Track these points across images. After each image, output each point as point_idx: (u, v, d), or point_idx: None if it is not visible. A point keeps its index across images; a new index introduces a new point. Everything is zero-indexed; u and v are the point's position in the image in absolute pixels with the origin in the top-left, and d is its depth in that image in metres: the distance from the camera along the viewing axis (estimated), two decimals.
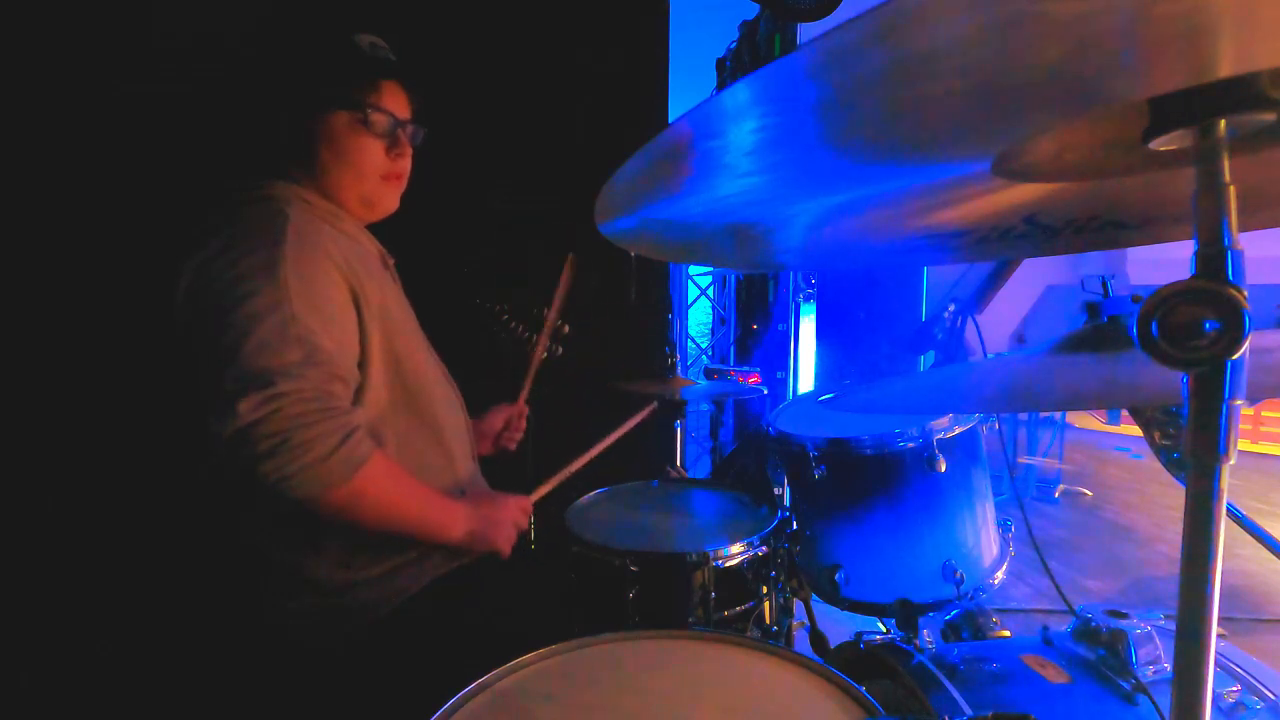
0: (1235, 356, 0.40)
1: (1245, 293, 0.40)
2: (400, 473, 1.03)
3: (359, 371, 1.04)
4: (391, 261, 1.22)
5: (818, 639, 1.37)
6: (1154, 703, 0.86)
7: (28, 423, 1.31)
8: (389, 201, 1.17)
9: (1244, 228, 0.42)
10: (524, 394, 1.50)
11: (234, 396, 0.87)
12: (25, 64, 1.29)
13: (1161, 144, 0.45)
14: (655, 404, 1.49)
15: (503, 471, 1.39)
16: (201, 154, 1.32)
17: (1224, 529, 0.42)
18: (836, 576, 1.31)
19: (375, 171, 1.12)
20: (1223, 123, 0.42)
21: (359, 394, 1.04)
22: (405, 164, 1.16)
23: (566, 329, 1.50)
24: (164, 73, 1.40)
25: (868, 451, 1.30)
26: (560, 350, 1.54)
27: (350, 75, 1.09)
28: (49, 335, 1.32)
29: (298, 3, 1.50)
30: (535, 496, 1.25)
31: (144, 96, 1.39)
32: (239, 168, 1.11)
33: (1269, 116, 0.42)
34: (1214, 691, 0.59)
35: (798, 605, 1.45)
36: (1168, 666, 0.91)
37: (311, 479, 0.90)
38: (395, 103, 1.12)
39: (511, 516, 1.15)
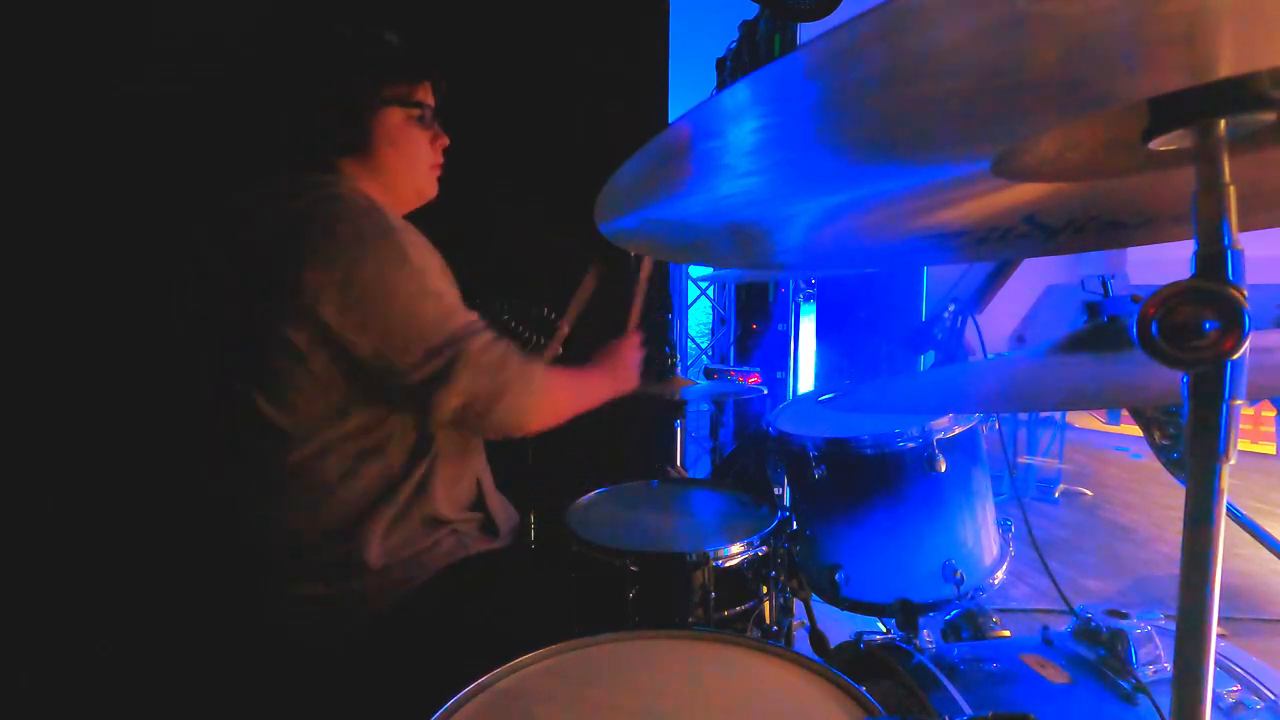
0: (1235, 356, 0.40)
1: (1245, 293, 0.40)
2: (563, 375, 1.16)
3: None
4: None
5: (818, 639, 1.37)
6: (1154, 703, 0.86)
7: (28, 422, 1.31)
8: (433, 188, 1.22)
9: (1244, 228, 0.42)
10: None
11: (443, 373, 0.97)
12: (26, 64, 1.29)
13: (1161, 144, 0.45)
14: (595, 271, 1.46)
15: (503, 472, 1.39)
16: (240, 153, 1.30)
17: (1224, 529, 0.42)
18: (836, 576, 1.31)
19: (425, 162, 1.17)
20: (1222, 123, 0.42)
21: None
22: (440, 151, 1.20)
23: (566, 329, 1.50)
24: (184, 72, 1.40)
25: (868, 451, 1.29)
26: (560, 351, 1.53)
27: (406, 73, 1.11)
28: (50, 336, 1.32)
29: (296, 2, 1.50)
30: (633, 325, 1.40)
31: (153, 98, 1.39)
32: (292, 165, 1.08)
33: (1269, 116, 0.42)
34: (1214, 691, 0.59)
35: (798, 605, 1.44)
36: (1168, 666, 0.91)
37: (523, 413, 1.04)
38: (426, 93, 1.15)
39: (632, 359, 1.33)
